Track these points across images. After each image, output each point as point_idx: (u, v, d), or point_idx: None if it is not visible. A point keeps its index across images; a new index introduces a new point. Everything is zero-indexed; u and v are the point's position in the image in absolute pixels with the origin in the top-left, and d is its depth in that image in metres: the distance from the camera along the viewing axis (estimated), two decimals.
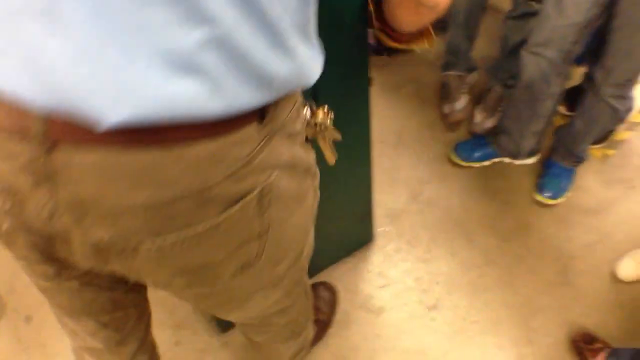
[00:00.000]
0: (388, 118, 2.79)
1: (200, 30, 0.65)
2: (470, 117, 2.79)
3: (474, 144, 2.63)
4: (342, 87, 1.57)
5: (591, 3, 2.00)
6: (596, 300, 2.22)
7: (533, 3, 2.43)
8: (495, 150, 2.59)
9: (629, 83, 2.20)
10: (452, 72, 2.80)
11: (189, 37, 0.65)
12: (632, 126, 2.82)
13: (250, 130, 0.77)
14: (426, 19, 1.04)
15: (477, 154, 2.60)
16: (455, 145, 2.64)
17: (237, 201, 0.79)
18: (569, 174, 2.54)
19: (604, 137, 2.70)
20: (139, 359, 1.31)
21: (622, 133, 2.78)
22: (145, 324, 1.30)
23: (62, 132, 0.69)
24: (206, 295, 1.01)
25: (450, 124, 2.76)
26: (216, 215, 0.78)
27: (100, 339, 1.19)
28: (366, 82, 1.66)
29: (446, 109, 2.76)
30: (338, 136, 1.12)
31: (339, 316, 2.14)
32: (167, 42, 0.65)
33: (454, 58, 2.79)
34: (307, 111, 1.00)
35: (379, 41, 1.62)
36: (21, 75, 0.67)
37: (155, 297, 1.31)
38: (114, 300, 1.12)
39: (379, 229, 2.36)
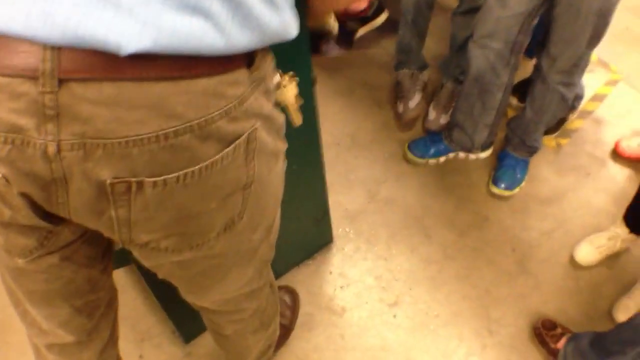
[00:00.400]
0: (342, 121, 2.80)
1: None
2: (424, 114, 2.81)
3: (429, 140, 2.65)
4: None
5: None
6: (555, 287, 2.25)
7: None
8: (450, 145, 2.61)
9: (575, 69, 2.23)
10: (404, 71, 2.83)
11: None
12: (584, 114, 2.87)
13: (242, 74, 0.85)
14: None
15: (432, 151, 2.63)
16: (410, 143, 2.66)
17: (230, 142, 0.86)
18: (523, 165, 2.57)
19: (556, 127, 2.73)
20: (108, 354, 1.33)
21: (574, 122, 2.83)
22: (114, 313, 1.32)
23: (71, 70, 0.73)
24: (189, 264, 1.05)
25: (404, 122, 2.78)
26: (214, 154, 0.84)
27: (72, 328, 1.19)
28: (309, 82, 1.67)
29: (400, 107, 2.78)
30: (301, 100, 1.20)
31: (302, 319, 2.14)
32: None
33: (406, 57, 2.82)
34: (276, 76, 1.07)
35: (313, 41, 1.63)
36: (33, 17, 0.71)
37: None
38: (91, 279, 1.13)
39: (338, 230, 2.37)
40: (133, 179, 0.80)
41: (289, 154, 1.80)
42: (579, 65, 2.22)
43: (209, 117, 0.80)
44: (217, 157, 0.84)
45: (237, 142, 0.86)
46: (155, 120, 0.76)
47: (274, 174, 1.04)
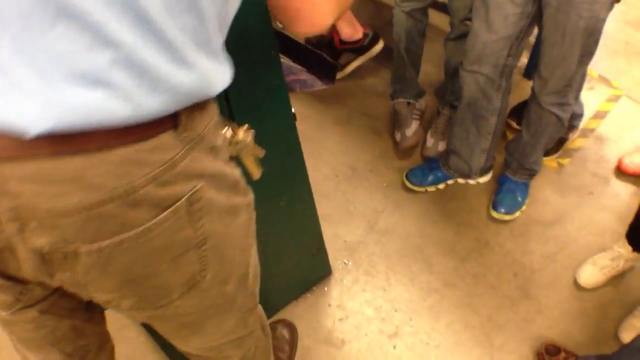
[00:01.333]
0: (341, 152, 2.81)
1: (107, 52, 0.75)
2: (423, 141, 2.81)
3: (427, 168, 2.64)
4: (265, 127, 1.58)
5: (518, 15, 2.03)
6: (559, 310, 2.21)
7: (468, 23, 2.46)
8: (448, 172, 2.60)
9: (568, 89, 2.19)
10: (400, 100, 2.82)
11: (98, 59, 0.75)
12: (586, 133, 2.84)
13: (167, 138, 0.84)
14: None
15: (430, 178, 2.61)
16: (408, 171, 2.65)
17: (167, 207, 0.85)
18: (523, 188, 2.54)
19: (556, 147, 2.71)
20: None
21: (576, 141, 2.80)
22: (108, 354, 1.32)
23: None
24: (160, 318, 1.06)
25: (403, 150, 2.78)
26: (148, 220, 0.84)
27: None
28: (290, 118, 1.68)
29: (398, 136, 2.78)
30: (261, 152, 1.21)
31: (301, 352, 2.13)
32: (79, 64, 0.74)
33: (401, 86, 2.82)
34: (227, 130, 1.07)
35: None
36: None
37: None
38: (75, 327, 1.14)
39: (336, 262, 2.36)
40: (67, 248, 0.82)
41: (275, 190, 1.81)
42: (571, 85, 2.18)
43: (132, 185, 0.81)
44: (152, 222, 0.84)
45: (176, 205, 0.86)
46: (77, 192, 0.78)
47: (233, 228, 1.03)
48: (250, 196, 1.09)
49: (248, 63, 1.40)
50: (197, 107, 0.89)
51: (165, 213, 0.85)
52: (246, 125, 1.14)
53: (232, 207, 1.01)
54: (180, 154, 0.85)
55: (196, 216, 0.90)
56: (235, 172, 1.02)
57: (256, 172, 1.25)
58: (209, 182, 0.91)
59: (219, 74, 0.91)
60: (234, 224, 1.02)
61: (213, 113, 0.96)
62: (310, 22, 1.00)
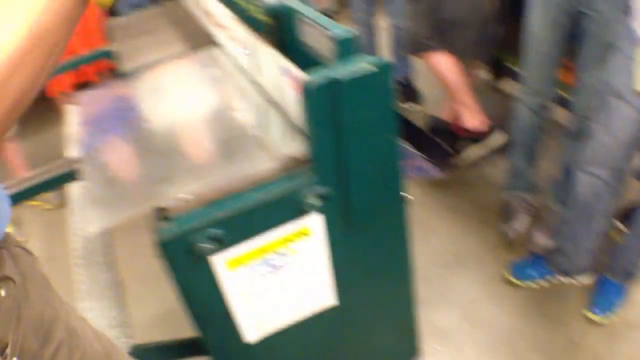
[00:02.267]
0: (448, 238, 2.93)
1: None
2: (531, 236, 2.88)
3: (531, 263, 2.71)
4: (377, 207, 1.71)
5: (638, 120, 2.04)
6: None
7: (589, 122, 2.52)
8: (551, 268, 2.65)
9: None
10: (514, 192, 2.92)
11: None
12: None
13: None
14: None
15: (533, 273, 2.68)
16: (511, 264, 2.73)
17: None
18: (620, 290, 2.56)
19: None
20: None
21: None
22: None
23: None
24: None
25: (509, 243, 2.86)
26: None
27: None
28: (402, 201, 1.76)
29: (506, 228, 2.87)
30: None
31: None
32: None
33: (516, 179, 2.91)
34: None
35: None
36: None
37: None
38: None
39: (425, 346, 2.48)
40: None
41: (377, 268, 1.91)
42: None
43: None
44: None
45: None
46: None
47: None
48: None
49: (368, 141, 1.51)
50: None
51: None
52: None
53: None
54: None
55: None
56: None
57: None
58: None
59: None
60: None
61: None
62: None
